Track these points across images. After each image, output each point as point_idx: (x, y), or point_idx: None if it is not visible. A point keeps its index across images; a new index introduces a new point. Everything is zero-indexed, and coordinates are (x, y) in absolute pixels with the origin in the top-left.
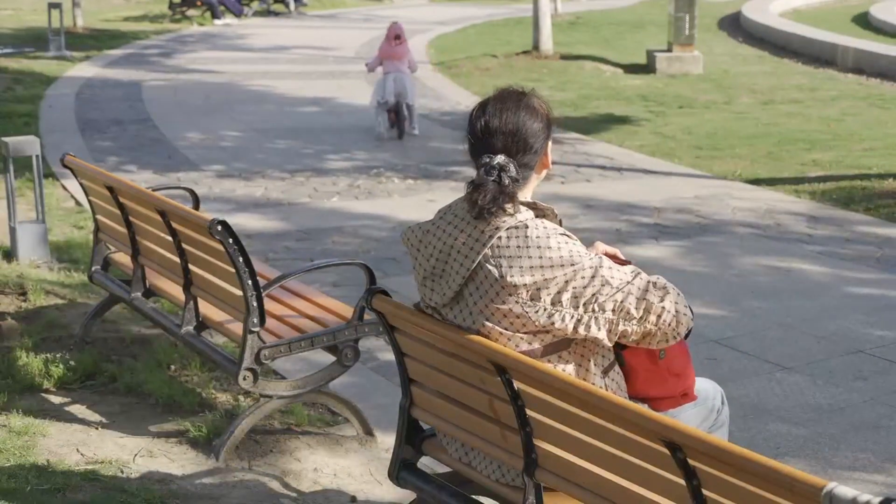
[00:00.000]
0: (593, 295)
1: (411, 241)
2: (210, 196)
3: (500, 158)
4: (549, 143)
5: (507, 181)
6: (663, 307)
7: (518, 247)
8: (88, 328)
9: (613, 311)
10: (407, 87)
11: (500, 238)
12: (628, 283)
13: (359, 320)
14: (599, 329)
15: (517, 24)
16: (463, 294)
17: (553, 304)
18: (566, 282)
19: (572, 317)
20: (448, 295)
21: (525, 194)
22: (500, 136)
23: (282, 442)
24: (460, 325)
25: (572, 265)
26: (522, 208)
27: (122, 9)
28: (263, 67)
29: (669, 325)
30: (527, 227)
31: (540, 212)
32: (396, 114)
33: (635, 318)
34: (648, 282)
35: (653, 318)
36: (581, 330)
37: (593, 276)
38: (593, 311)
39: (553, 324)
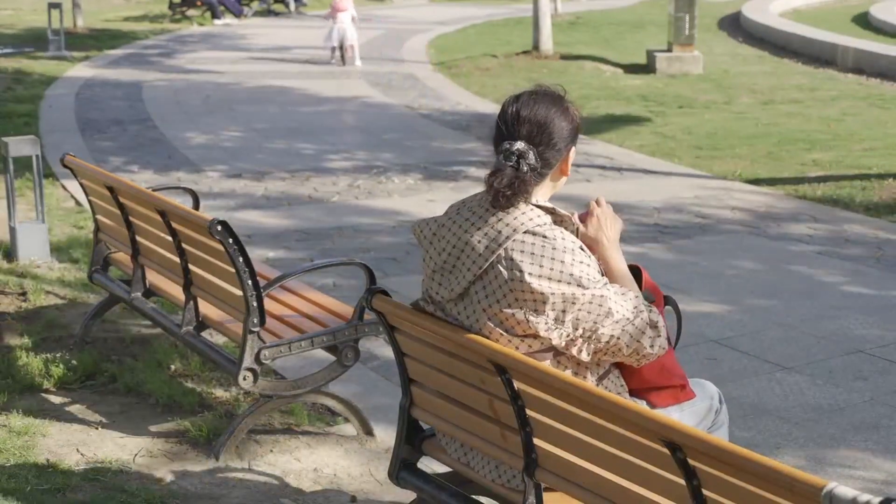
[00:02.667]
0: (594, 323)
1: (424, 234)
2: (210, 196)
3: (519, 145)
4: (573, 150)
5: (524, 168)
6: (650, 352)
7: (532, 254)
8: (88, 328)
9: (606, 343)
10: (347, 34)
11: (515, 241)
12: (628, 320)
13: (359, 320)
14: (588, 356)
15: (517, 24)
16: (470, 292)
17: (556, 320)
18: (572, 302)
19: (568, 335)
20: (456, 291)
21: (540, 196)
22: (526, 125)
23: (282, 442)
24: (462, 322)
25: (580, 286)
26: (541, 212)
27: (122, 9)
28: (263, 67)
29: (647, 360)
30: (545, 236)
31: (558, 218)
32: (342, 50)
33: (623, 354)
34: (646, 324)
35: (637, 355)
36: (573, 350)
37: (600, 305)
38: (588, 338)
39: (551, 339)
